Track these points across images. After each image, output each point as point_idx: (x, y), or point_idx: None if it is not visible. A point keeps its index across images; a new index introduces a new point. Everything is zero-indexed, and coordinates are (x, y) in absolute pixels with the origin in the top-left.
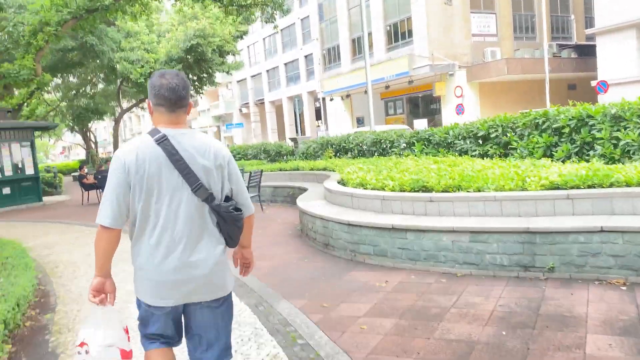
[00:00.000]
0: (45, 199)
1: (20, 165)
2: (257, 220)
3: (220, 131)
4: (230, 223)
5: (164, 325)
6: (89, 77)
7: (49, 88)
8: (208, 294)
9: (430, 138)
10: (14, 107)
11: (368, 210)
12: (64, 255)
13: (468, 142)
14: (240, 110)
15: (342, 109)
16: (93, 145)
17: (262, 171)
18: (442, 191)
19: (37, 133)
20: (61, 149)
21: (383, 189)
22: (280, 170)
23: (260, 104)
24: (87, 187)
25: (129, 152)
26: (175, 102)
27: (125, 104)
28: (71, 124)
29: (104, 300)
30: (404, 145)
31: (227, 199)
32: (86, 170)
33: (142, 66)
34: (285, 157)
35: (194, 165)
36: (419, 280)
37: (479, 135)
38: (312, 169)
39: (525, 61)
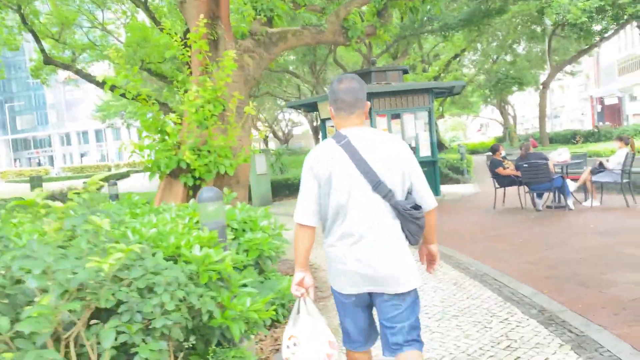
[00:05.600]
0: (445, 188)
1: (413, 144)
2: None
3: None
4: (410, 221)
5: (352, 313)
6: (508, 39)
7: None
8: (390, 286)
9: None
10: (429, 80)
11: None
12: None
13: None
14: None
15: None
16: (511, 120)
17: None
18: None
19: (455, 110)
20: (478, 127)
21: None
22: None
23: None
24: (503, 181)
25: (314, 156)
26: (354, 104)
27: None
28: (486, 95)
29: (304, 294)
30: None
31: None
32: (503, 153)
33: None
34: None
35: (374, 163)
36: None
37: None
38: None
39: None
